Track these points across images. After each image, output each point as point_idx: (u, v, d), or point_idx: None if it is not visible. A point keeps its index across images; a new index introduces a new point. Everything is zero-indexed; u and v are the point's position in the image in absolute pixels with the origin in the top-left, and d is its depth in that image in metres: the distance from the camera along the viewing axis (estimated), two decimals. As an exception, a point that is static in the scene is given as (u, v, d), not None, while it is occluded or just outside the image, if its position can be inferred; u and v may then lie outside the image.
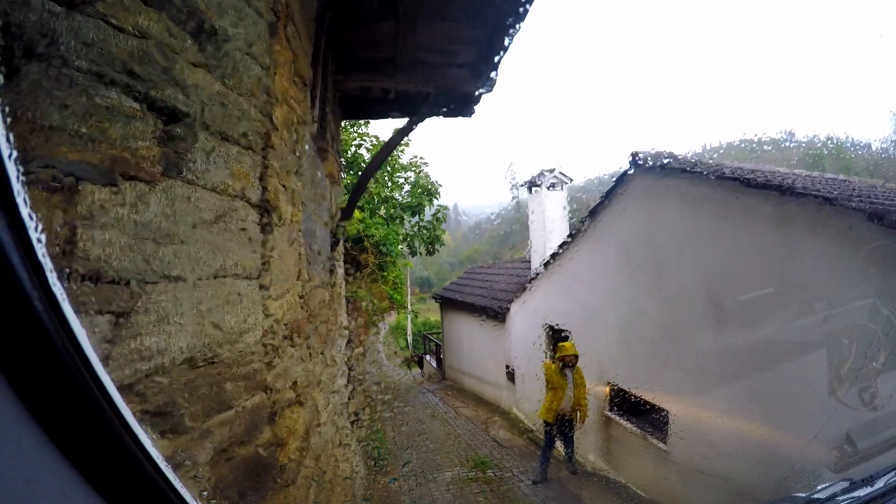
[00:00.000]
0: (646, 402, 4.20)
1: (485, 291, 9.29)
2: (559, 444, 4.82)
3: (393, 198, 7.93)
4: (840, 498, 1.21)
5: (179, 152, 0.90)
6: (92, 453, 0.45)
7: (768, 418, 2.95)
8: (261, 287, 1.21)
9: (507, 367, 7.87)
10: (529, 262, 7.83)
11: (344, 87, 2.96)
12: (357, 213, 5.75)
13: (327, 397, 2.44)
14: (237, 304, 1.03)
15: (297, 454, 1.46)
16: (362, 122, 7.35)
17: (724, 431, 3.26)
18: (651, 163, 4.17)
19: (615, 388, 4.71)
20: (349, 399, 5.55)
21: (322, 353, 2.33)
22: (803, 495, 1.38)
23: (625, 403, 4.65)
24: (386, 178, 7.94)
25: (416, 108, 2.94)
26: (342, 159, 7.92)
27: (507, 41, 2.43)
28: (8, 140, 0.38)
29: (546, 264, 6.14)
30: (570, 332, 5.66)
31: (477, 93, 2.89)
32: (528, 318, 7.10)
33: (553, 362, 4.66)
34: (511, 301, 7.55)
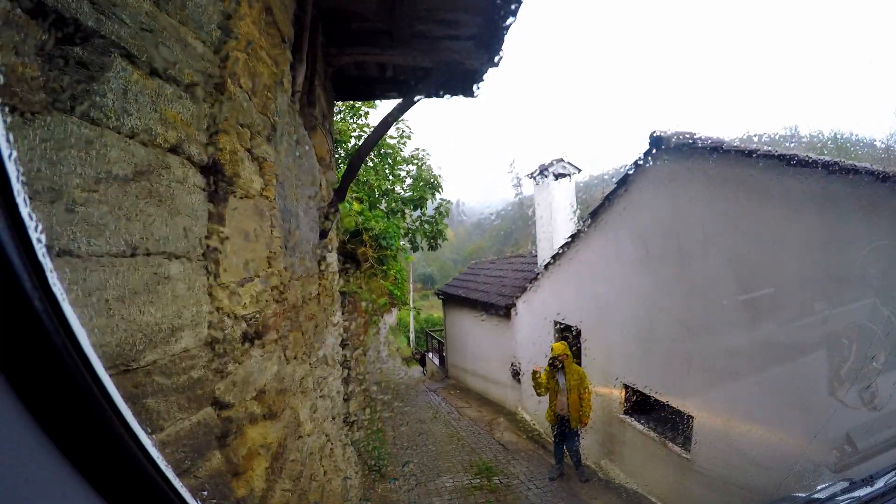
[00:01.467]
0: (666, 406, 3.95)
1: (489, 287, 9.25)
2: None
3: (394, 191, 7.98)
4: (840, 498, 1.24)
5: (80, 81, 0.70)
6: (92, 453, 0.46)
7: (808, 426, 2.67)
8: (206, 272, 0.94)
9: (513, 365, 7.87)
10: (535, 256, 7.74)
11: (337, 63, 2.85)
12: (356, 206, 5.73)
13: (314, 403, 2.31)
14: (165, 292, 0.76)
15: (263, 479, 1.19)
16: (362, 112, 7.40)
17: (757, 440, 3.02)
18: (673, 143, 3.85)
19: (631, 389, 4.43)
20: (346, 400, 5.33)
21: (307, 354, 2.20)
22: (803, 495, 1.41)
23: (642, 406, 4.45)
24: (387, 171, 7.98)
25: (415, 88, 2.85)
26: (340, 150, 7.59)
27: (514, 5, 2.14)
28: (8, 140, 0.39)
29: (555, 257, 5.87)
30: (580, 330, 5.36)
31: (482, 66, 2.76)
32: (534, 314, 7.00)
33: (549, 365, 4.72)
34: (517, 297, 7.45)
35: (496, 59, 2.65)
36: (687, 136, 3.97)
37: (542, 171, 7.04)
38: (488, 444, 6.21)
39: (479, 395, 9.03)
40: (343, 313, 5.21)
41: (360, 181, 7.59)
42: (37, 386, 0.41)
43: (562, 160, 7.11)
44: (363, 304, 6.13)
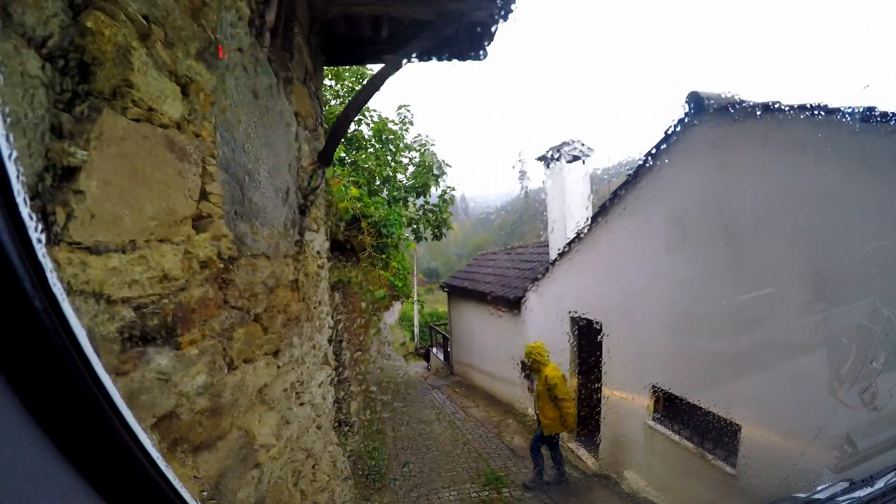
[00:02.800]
0: (706, 413, 3.42)
1: (497, 279, 9.06)
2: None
3: (396, 178, 7.94)
4: (840, 498, 1.28)
5: None
6: (92, 453, 0.47)
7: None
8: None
9: (523, 362, 7.13)
10: (546, 245, 7.55)
11: (324, 14, 2.63)
12: (353, 190, 5.48)
13: (285, 415, 1.99)
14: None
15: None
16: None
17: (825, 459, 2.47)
18: (717, 103, 3.30)
19: (662, 392, 3.91)
20: (340, 404, 4.87)
21: (274, 354, 1.87)
22: (803, 495, 1.46)
23: (675, 412, 3.97)
24: (389, 158, 7.88)
25: (414, 46, 2.60)
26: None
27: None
28: (8, 140, 0.40)
29: (571, 243, 5.32)
30: (601, 324, 4.85)
31: (490, 19, 2.47)
32: (548, 307, 6.71)
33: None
34: (527, 288, 7.20)
35: (507, 9, 2.36)
36: (731, 96, 3.40)
37: (554, 153, 6.80)
38: (497, 448, 6.00)
39: (485, 394, 8.96)
40: (337, 306, 4.72)
41: (359, 167, 7.47)
42: (37, 386, 0.42)
43: (575, 141, 6.84)
44: (363, 304, 5.65)
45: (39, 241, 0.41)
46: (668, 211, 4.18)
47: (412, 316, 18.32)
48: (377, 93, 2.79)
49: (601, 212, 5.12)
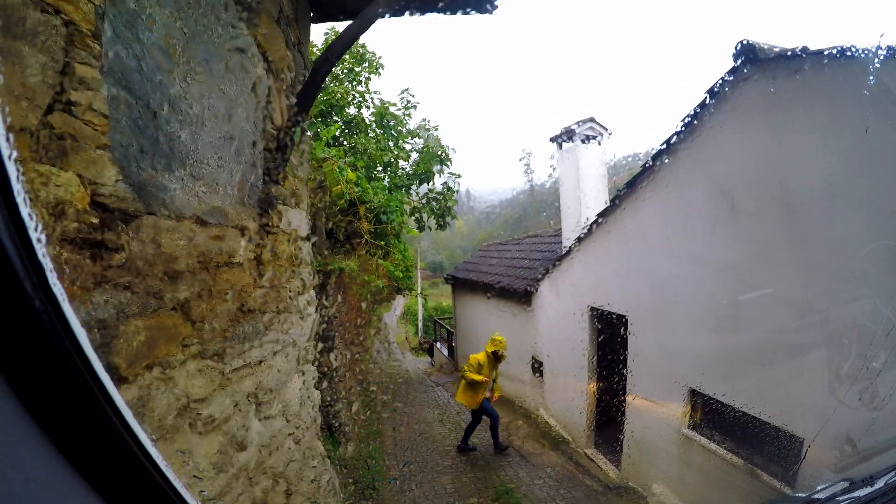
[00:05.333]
0: (758, 422, 2.95)
1: (505, 270, 8.85)
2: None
3: (397, 165, 7.88)
4: (840, 498, 1.30)
5: None
6: (92, 453, 0.48)
7: None
8: None
9: (534, 358, 7.41)
10: (558, 234, 7.35)
11: None
12: (350, 174, 5.19)
13: (237, 435, 1.63)
14: None
15: None
16: (362, 79, 7.54)
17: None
18: (774, 53, 2.76)
19: (701, 396, 3.43)
20: (329, 408, 4.44)
21: (218, 357, 1.50)
22: (803, 495, 1.52)
23: (717, 420, 4.00)
24: (391, 144, 7.85)
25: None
26: (338, 118, 7.50)
27: None
28: (8, 140, 0.41)
29: (590, 228, 4.82)
30: (626, 318, 4.36)
31: None
32: (563, 298, 6.40)
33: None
34: (539, 279, 6.88)
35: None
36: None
37: (568, 133, 6.52)
38: (506, 454, 5.67)
39: None
40: (328, 297, 4.22)
41: (358, 150, 7.35)
42: (37, 386, 0.43)
43: (588, 120, 6.58)
44: (357, 287, 5.22)
45: (39, 240, 0.42)
46: (712, 184, 3.74)
47: (416, 310, 18.57)
48: (365, 33, 2.34)
49: (628, 190, 4.61)
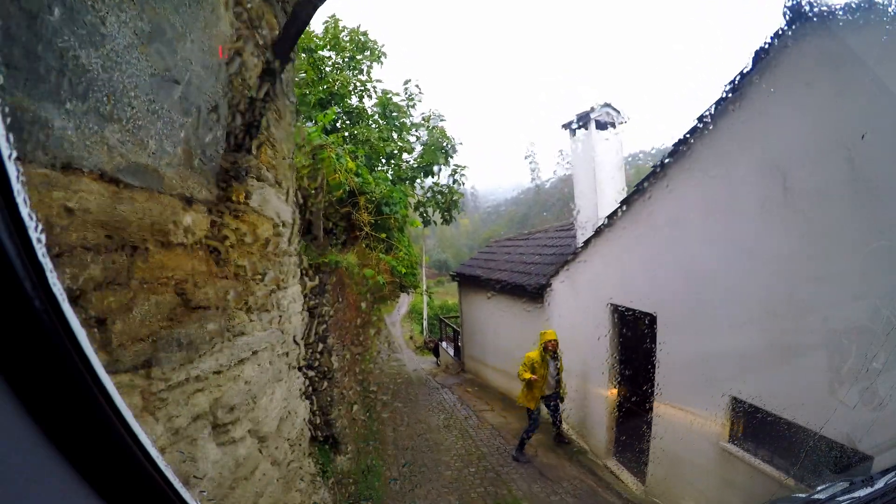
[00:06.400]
0: (817, 438, 2.58)
1: (514, 266, 8.56)
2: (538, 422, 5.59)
3: (401, 156, 7.75)
4: (840, 498, 1.31)
5: None
6: (92, 453, 0.48)
7: None
8: None
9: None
10: (569, 229, 7.09)
11: None
12: (350, 163, 4.99)
13: (180, 469, 1.30)
14: None
15: None
16: (364, 67, 7.50)
17: None
18: (835, 8, 2.40)
19: (742, 405, 3.01)
20: (321, 417, 4.04)
21: (142, 368, 1.16)
22: (803, 495, 1.50)
23: (764, 434, 3.45)
24: (394, 135, 7.67)
25: None
26: (338, 107, 7.38)
27: None
28: (8, 140, 0.41)
29: (612, 215, 4.41)
30: (654, 316, 3.95)
31: None
32: (579, 296, 6.07)
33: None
34: (552, 275, 6.58)
35: None
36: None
37: (582, 119, 6.19)
38: (518, 466, 5.29)
39: (501, 395, 8.55)
40: (321, 293, 3.84)
41: (358, 139, 7.16)
42: (37, 386, 0.43)
43: (604, 105, 6.21)
44: (355, 284, 4.85)
45: (39, 240, 0.42)
46: (760, 164, 3.27)
47: (421, 308, 18.54)
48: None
49: (657, 172, 4.18)
